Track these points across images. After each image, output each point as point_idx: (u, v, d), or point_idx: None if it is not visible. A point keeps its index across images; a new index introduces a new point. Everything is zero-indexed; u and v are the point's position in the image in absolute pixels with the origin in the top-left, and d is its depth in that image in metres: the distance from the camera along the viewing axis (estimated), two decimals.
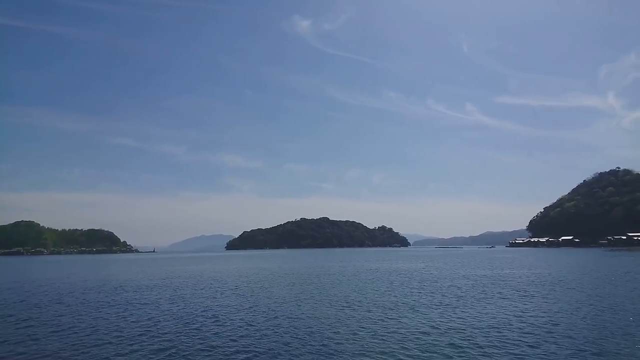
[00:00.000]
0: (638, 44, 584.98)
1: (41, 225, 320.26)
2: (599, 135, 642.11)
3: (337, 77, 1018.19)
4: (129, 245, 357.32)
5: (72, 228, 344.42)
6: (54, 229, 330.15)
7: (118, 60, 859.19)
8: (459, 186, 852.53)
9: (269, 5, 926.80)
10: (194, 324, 19.98)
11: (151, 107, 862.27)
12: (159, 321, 20.77)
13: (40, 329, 19.45)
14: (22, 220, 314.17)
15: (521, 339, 15.82)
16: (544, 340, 15.51)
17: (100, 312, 24.08)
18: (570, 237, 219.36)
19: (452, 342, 15.51)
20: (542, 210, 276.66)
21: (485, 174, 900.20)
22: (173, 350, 15.05)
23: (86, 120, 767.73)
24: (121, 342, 16.49)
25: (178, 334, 17.65)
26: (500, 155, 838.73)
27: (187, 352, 14.79)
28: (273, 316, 21.70)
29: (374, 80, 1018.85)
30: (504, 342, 15.42)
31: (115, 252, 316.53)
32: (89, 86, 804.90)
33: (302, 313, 22.43)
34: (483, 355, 13.77)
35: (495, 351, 14.22)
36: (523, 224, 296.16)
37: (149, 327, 19.24)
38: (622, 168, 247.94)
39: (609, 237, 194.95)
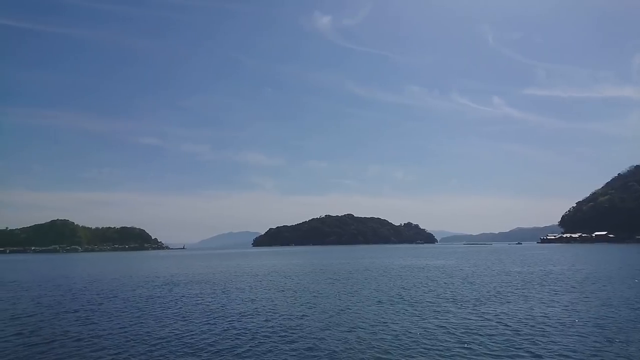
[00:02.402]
0: None
1: (75, 223, 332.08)
2: (633, 127, 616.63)
3: (357, 73, 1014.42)
4: (160, 242, 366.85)
5: (104, 226, 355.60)
6: (88, 227, 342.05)
7: (135, 60, 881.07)
8: (485, 181, 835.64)
9: (287, 2, 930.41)
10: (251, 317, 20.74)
11: (170, 106, 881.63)
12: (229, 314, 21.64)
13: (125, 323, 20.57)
14: (57, 219, 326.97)
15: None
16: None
17: (158, 306, 25.18)
18: (605, 233, 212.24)
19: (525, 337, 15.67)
20: (575, 205, 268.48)
21: (513, 169, 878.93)
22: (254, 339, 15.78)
23: (108, 121, 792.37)
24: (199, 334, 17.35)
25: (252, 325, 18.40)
26: (528, 149, 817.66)
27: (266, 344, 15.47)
28: (330, 313, 22.22)
29: (395, 74, 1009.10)
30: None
31: (146, 249, 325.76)
32: (108, 87, 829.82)
33: (353, 310, 22.89)
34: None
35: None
36: (555, 220, 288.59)
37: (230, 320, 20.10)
38: None
39: None
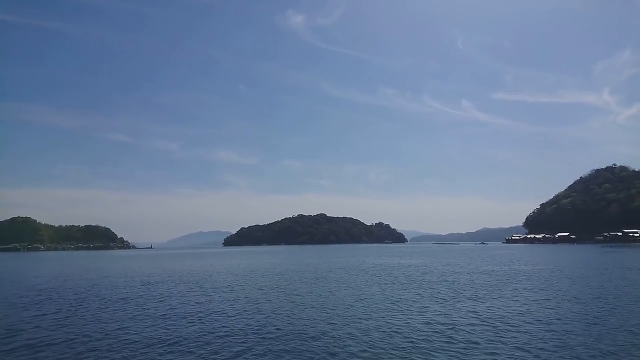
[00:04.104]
0: (633, 41, 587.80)
1: (38, 221, 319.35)
2: (595, 132, 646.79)
3: (331, 73, 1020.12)
4: (126, 241, 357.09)
5: (68, 224, 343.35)
6: (51, 225, 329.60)
7: (111, 56, 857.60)
8: (455, 182, 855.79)
9: (263, 0, 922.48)
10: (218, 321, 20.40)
11: (145, 103, 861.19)
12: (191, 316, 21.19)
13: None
14: (18, 217, 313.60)
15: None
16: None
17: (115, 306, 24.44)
18: (567, 234, 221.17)
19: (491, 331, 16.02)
20: (539, 206, 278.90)
21: (482, 171, 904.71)
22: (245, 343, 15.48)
23: (79, 116, 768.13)
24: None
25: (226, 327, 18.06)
26: (496, 152, 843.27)
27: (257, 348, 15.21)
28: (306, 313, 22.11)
29: (369, 76, 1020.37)
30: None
31: (112, 248, 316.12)
32: (82, 82, 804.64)
33: (329, 307, 22.88)
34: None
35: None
36: (520, 221, 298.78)
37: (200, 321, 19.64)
38: (618, 164, 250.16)
39: (605, 234, 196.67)
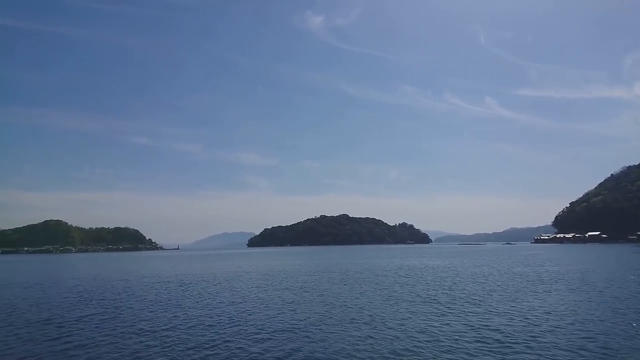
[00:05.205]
0: None
1: (69, 224, 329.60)
2: (625, 128, 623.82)
3: (350, 73, 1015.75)
4: (154, 242, 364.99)
5: (97, 227, 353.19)
6: (81, 227, 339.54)
7: (130, 60, 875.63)
8: (479, 181, 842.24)
9: (281, 2, 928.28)
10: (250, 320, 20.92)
11: (164, 105, 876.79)
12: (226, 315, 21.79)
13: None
14: (50, 220, 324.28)
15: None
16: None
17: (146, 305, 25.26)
18: (598, 233, 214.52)
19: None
20: (568, 205, 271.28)
21: (506, 169, 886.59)
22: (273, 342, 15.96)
23: (102, 120, 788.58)
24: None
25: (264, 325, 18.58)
26: (521, 150, 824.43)
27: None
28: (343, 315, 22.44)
29: (388, 74, 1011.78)
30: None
31: (140, 249, 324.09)
32: (101, 86, 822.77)
33: (364, 309, 23.13)
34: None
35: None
36: (548, 220, 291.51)
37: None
38: None
39: (638, 233, 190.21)
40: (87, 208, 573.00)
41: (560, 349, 14.10)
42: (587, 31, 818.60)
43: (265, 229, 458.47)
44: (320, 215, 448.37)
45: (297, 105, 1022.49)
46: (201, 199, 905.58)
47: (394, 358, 13.66)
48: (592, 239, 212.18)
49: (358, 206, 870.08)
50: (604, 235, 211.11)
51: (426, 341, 15.53)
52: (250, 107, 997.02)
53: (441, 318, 19.70)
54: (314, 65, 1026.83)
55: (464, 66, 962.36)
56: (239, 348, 15.20)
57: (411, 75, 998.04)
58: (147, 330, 18.38)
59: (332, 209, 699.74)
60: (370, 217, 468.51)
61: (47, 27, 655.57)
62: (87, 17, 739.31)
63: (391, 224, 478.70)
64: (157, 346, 15.66)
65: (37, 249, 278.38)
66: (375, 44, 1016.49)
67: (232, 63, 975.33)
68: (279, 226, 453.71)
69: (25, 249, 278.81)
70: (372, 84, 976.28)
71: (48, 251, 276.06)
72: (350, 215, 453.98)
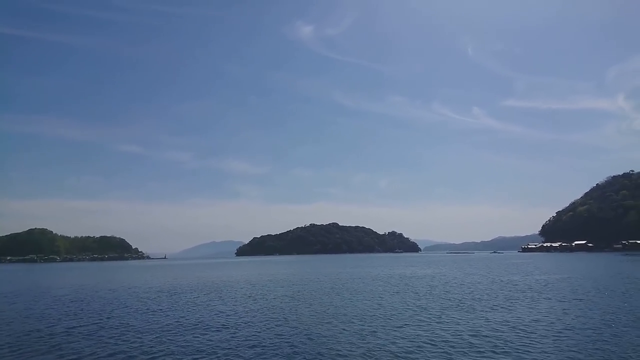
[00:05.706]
0: None
1: (54, 232, 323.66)
2: (610, 138, 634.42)
3: (341, 82, 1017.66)
4: (141, 251, 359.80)
5: (84, 235, 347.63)
6: (67, 236, 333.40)
7: (122, 67, 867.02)
8: (468, 190, 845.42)
9: (272, 12, 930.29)
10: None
11: (156, 114, 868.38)
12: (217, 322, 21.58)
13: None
14: (35, 228, 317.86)
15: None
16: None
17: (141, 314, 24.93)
18: (584, 242, 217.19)
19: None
20: (555, 214, 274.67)
21: (494, 178, 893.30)
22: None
23: (92, 127, 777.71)
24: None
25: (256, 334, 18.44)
26: (509, 160, 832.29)
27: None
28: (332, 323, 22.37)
29: (378, 84, 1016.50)
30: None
31: (127, 258, 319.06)
32: (94, 94, 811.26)
33: (358, 317, 23.12)
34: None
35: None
36: (535, 229, 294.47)
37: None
38: (636, 171, 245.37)
39: (623, 242, 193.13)
40: (73, 217, 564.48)
41: (550, 356, 14.26)
42: (574, 43, 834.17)
43: (254, 237, 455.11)
44: (310, 224, 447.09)
45: (289, 114, 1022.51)
46: (191, 208, 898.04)
47: None
48: (579, 248, 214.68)
49: (349, 215, 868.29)
50: (590, 245, 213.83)
51: (417, 350, 15.59)
52: (242, 115, 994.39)
53: (431, 327, 19.79)
54: (306, 74, 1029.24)
55: (453, 77, 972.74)
56: (229, 359, 15.09)
57: (401, 85, 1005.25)
58: (137, 341, 18.15)
59: (323, 218, 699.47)
60: (360, 225, 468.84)
61: (41, 35, 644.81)
62: (79, 25, 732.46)
63: (381, 232, 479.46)
64: (148, 357, 15.47)
65: (20, 258, 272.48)
66: (366, 53, 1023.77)
67: (224, 72, 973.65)
68: (268, 235, 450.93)
69: (8, 258, 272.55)
70: (363, 93, 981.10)
71: (32, 260, 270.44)
72: (341, 224, 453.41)
